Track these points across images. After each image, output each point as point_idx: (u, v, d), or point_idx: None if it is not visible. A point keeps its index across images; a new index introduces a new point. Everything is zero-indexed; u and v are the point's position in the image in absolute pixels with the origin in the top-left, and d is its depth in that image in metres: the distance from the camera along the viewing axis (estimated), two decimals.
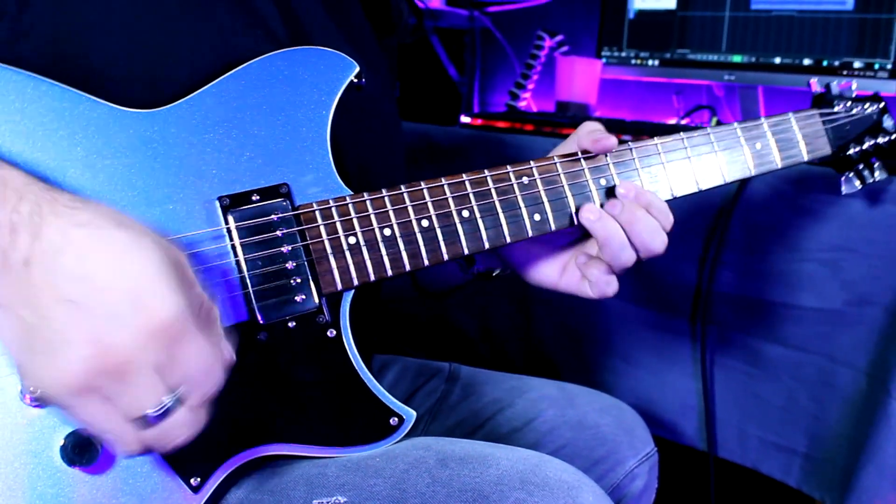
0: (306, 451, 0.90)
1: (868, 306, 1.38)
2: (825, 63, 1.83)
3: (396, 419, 0.92)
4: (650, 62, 2.13)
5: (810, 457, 1.48)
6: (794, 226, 1.45)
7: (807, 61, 1.86)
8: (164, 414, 0.68)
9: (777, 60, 1.91)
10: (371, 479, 0.87)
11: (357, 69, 0.93)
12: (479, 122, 2.04)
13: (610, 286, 1.04)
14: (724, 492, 1.69)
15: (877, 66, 1.77)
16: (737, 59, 1.96)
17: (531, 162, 0.99)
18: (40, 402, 0.78)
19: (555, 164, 0.99)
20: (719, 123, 1.21)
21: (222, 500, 0.88)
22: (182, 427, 0.70)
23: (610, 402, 1.27)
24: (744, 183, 1.48)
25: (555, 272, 1.08)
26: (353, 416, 0.91)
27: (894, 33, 1.75)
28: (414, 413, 0.93)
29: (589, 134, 1.02)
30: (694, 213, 1.56)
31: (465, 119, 2.05)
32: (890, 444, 1.30)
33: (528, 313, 1.83)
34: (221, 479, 0.85)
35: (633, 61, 2.17)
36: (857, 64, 1.79)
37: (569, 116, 2.08)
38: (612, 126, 1.79)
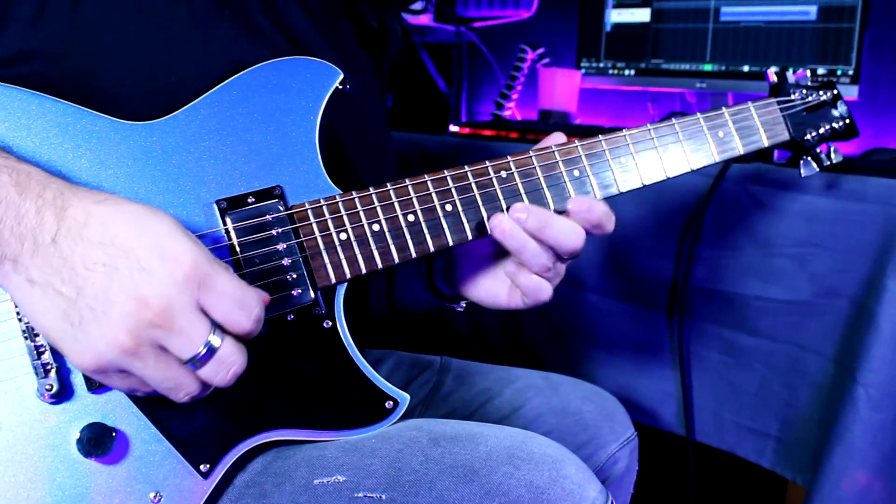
0: (308, 435, 0.91)
1: (835, 297, 1.39)
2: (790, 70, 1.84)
3: (391, 402, 0.93)
4: (626, 72, 2.14)
5: (782, 440, 1.49)
6: (764, 223, 1.46)
7: (773, 69, 1.87)
8: (213, 351, 0.71)
9: (745, 68, 1.92)
10: (368, 458, 0.88)
11: (341, 76, 0.94)
12: (466, 130, 2.04)
13: (542, 292, 0.97)
14: (701, 474, 1.70)
15: (839, 73, 1.79)
16: (708, 67, 1.97)
17: (508, 157, 0.99)
18: (56, 398, 0.79)
19: (530, 157, 0.99)
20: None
21: (230, 485, 0.89)
22: (231, 357, 0.73)
23: (592, 390, 1.28)
24: (716, 183, 1.49)
25: (503, 293, 1.03)
26: (351, 401, 0.92)
27: (854, 42, 1.76)
28: (408, 396, 0.93)
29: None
30: (669, 212, 1.57)
31: (453, 128, 2.06)
32: (856, 427, 1.30)
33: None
34: (229, 464, 0.86)
35: (610, 71, 2.18)
36: (820, 71, 1.81)
37: (551, 124, 2.09)
38: (592, 132, 1.80)
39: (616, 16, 2.14)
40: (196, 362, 0.71)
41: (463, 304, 1.13)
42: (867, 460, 1.30)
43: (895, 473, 1.30)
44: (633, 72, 2.13)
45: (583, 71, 2.22)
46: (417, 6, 1.23)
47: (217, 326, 0.72)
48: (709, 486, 1.86)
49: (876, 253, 1.32)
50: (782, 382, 1.48)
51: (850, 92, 1.75)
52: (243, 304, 0.73)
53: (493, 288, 1.04)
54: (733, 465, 1.66)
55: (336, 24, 1.10)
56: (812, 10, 1.81)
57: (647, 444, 1.31)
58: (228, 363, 0.73)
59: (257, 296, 0.75)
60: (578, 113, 2.23)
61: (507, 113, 2.36)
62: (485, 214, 0.96)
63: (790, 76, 1.19)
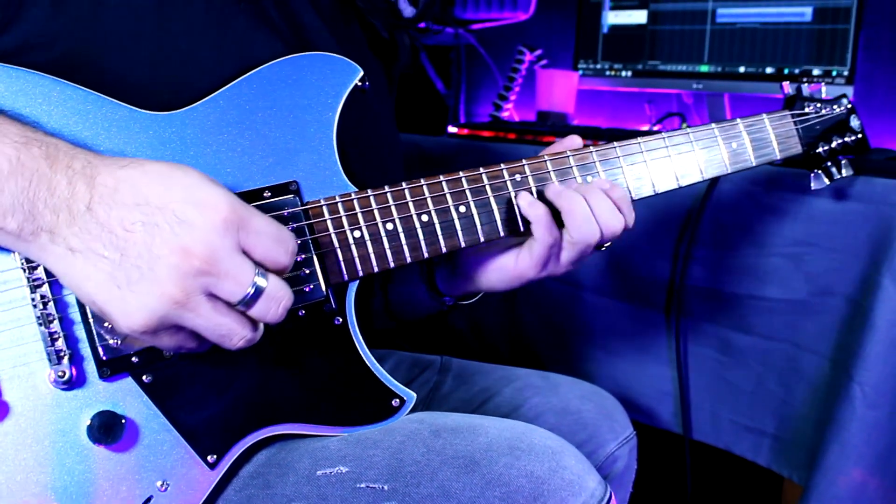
0: (314, 430, 0.92)
1: (830, 296, 1.39)
2: (786, 71, 1.85)
3: (398, 400, 0.94)
4: (623, 73, 2.15)
5: (779, 437, 1.49)
6: (760, 223, 1.47)
7: (769, 70, 1.88)
8: (260, 291, 0.72)
9: (742, 69, 1.92)
10: (370, 450, 0.89)
11: (361, 73, 0.94)
12: (465, 131, 2.04)
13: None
14: (699, 471, 1.70)
15: (834, 73, 1.79)
16: (704, 68, 1.98)
17: (523, 160, 0.99)
18: (68, 385, 0.80)
19: (545, 161, 1.00)
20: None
21: (235, 475, 0.90)
22: (280, 292, 0.74)
23: (591, 390, 1.28)
24: (713, 184, 1.49)
25: (510, 261, 1.04)
26: (358, 397, 0.93)
27: (850, 42, 1.76)
28: (414, 395, 0.95)
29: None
30: (666, 212, 1.57)
31: (452, 129, 2.06)
32: (852, 424, 1.31)
33: (514, 309, 1.84)
34: (236, 456, 0.87)
35: (607, 73, 2.18)
36: (816, 71, 1.81)
37: (549, 125, 2.10)
38: (590, 133, 1.80)
39: (613, 17, 2.15)
40: (246, 303, 0.72)
41: (450, 298, 1.14)
42: (863, 457, 1.30)
43: (890, 470, 1.30)
44: (629, 73, 2.14)
45: (580, 72, 2.23)
46: (422, 25, 1.24)
47: (258, 266, 0.73)
48: (706, 484, 1.87)
49: (871, 252, 1.33)
50: (778, 381, 1.48)
51: (846, 92, 1.75)
52: (280, 240, 0.75)
53: (500, 261, 1.05)
54: (730, 463, 1.66)
55: (347, 29, 1.10)
56: (807, 12, 1.81)
57: (644, 443, 1.32)
58: (278, 297, 0.74)
59: (289, 232, 0.77)
60: (576, 114, 2.23)
61: (505, 114, 2.37)
62: (498, 218, 0.97)
63: (805, 89, 1.19)
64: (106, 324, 0.80)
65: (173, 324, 0.71)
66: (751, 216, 1.47)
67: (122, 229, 0.69)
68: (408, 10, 1.17)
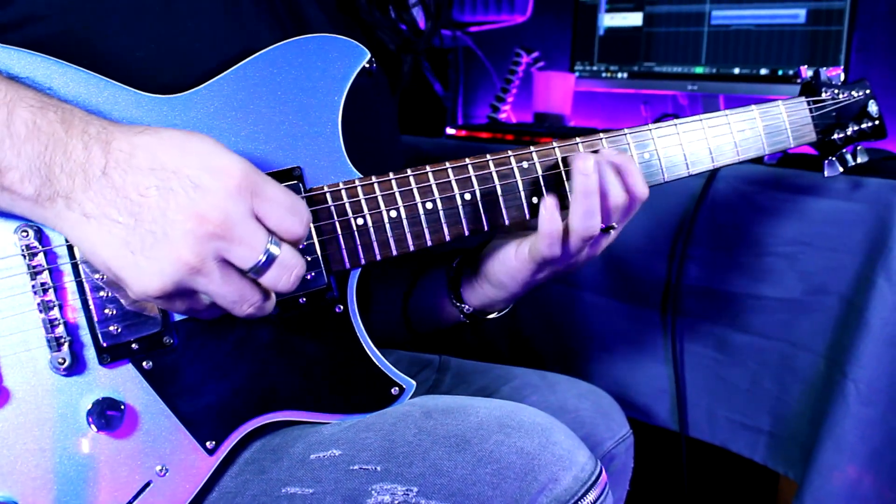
0: (314, 417, 0.92)
1: (824, 295, 1.40)
2: (780, 72, 1.85)
3: (397, 389, 0.95)
4: (619, 75, 2.15)
5: (774, 435, 1.49)
6: (755, 223, 1.47)
7: (763, 71, 1.88)
8: (272, 258, 0.72)
9: (736, 71, 1.93)
10: (363, 433, 0.90)
11: (368, 55, 0.93)
12: (463, 133, 2.05)
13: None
14: (695, 469, 1.70)
15: None
16: (699, 70, 1.98)
17: (532, 147, 0.98)
18: (68, 371, 0.80)
19: (553, 148, 0.98)
20: None
21: (232, 462, 0.91)
22: (293, 261, 0.74)
23: (588, 389, 1.28)
24: (708, 183, 1.49)
25: (511, 251, 1.03)
26: (358, 385, 0.93)
27: (843, 44, 1.76)
28: (414, 383, 0.95)
29: None
30: (663, 212, 1.58)
31: (450, 131, 2.07)
32: (846, 422, 1.31)
33: (513, 308, 1.84)
34: (234, 442, 0.88)
35: (603, 74, 2.18)
36: (809, 73, 1.81)
37: (546, 126, 2.10)
38: (587, 135, 1.80)
39: (609, 20, 2.15)
40: (258, 270, 0.72)
41: (469, 308, 1.14)
42: (857, 454, 1.31)
43: (884, 467, 1.31)
44: (625, 75, 2.14)
45: (577, 74, 2.23)
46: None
47: (271, 234, 0.73)
48: (703, 481, 1.87)
49: (865, 251, 1.33)
50: (774, 379, 1.48)
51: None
52: (294, 210, 0.74)
53: (504, 250, 1.04)
54: (726, 460, 1.66)
55: (351, 33, 1.10)
56: (801, 13, 1.82)
57: (642, 441, 1.32)
58: (290, 266, 0.74)
59: (304, 203, 0.76)
60: (572, 115, 2.23)
61: (502, 116, 2.37)
62: (503, 207, 0.96)
63: (823, 73, 1.16)
64: (106, 310, 0.81)
65: (187, 288, 0.72)
66: (746, 216, 1.48)
67: (136, 194, 0.69)
68: (421, 22, 1.17)
